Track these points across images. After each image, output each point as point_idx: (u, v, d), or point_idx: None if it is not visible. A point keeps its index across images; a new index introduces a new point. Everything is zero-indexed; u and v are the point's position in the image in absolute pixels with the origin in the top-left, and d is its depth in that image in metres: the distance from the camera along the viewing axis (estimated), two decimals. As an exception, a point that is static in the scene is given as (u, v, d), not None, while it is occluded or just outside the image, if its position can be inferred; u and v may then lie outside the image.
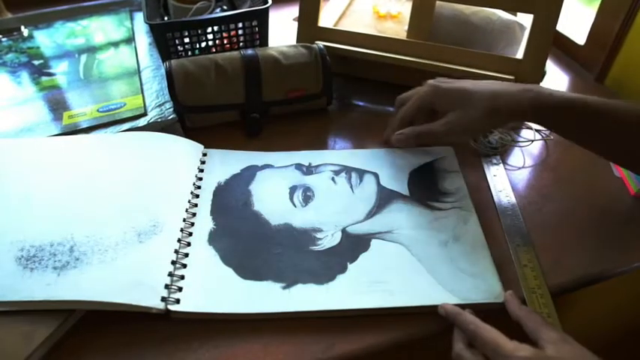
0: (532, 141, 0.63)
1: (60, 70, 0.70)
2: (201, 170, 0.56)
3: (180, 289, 0.44)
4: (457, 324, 0.41)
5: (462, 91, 0.53)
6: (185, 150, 0.58)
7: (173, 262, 0.45)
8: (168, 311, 0.42)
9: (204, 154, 0.58)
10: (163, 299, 0.42)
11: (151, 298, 0.42)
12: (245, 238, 0.49)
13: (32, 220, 0.47)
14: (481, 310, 0.43)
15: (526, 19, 0.68)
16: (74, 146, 0.56)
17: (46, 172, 0.52)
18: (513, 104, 0.50)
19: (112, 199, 0.50)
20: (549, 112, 0.49)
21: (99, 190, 0.51)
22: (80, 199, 0.50)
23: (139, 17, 0.80)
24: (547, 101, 0.49)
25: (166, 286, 0.43)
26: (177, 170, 0.55)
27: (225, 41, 0.71)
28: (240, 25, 0.69)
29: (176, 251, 0.46)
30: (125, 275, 0.43)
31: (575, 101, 0.48)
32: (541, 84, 0.64)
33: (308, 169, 0.58)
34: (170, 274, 0.44)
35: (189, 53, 0.69)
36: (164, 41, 0.67)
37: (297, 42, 0.70)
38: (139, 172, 0.53)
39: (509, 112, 0.51)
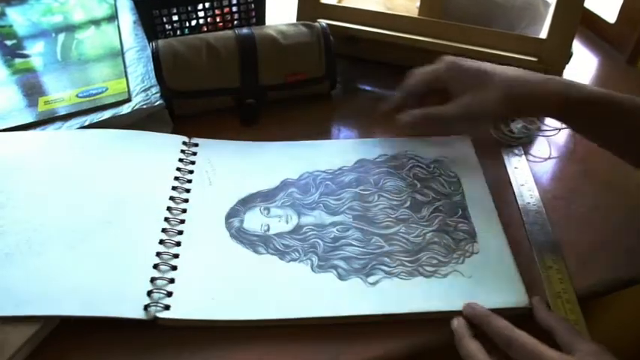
0: (559, 130, 0.62)
1: (35, 51, 0.69)
2: (192, 162, 0.55)
3: (169, 293, 0.43)
4: (487, 329, 0.41)
5: (482, 72, 0.52)
6: (164, 145, 0.57)
7: (155, 266, 0.45)
8: (156, 318, 0.42)
9: (196, 145, 0.58)
10: (146, 307, 0.42)
11: (131, 309, 0.42)
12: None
13: None
14: (503, 316, 0.42)
15: (551, -5, 0.67)
16: (41, 146, 0.55)
17: (13, 184, 0.51)
18: (537, 93, 0.49)
19: (82, 211, 0.49)
20: (578, 107, 0.48)
21: (70, 201, 0.50)
22: (51, 211, 0.49)
23: (123, -7, 0.79)
24: (577, 96, 0.47)
25: (149, 293, 0.43)
26: (152, 171, 0.54)
27: (218, 19, 0.70)
28: (234, 1, 0.69)
29: (158, 254, 0.46)
30: (101, 287, 0.43)
31: (601, 97, 0.47)
32: (567, 66, 0.63)
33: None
34: (152, 280, 0.44)
35: (178, 32, 0.69)
36: (150, 19, 0.66)
37: (298, 20, 0.69)
38: (111, 177, 0.52)
39: (529, 102, 0.50)
